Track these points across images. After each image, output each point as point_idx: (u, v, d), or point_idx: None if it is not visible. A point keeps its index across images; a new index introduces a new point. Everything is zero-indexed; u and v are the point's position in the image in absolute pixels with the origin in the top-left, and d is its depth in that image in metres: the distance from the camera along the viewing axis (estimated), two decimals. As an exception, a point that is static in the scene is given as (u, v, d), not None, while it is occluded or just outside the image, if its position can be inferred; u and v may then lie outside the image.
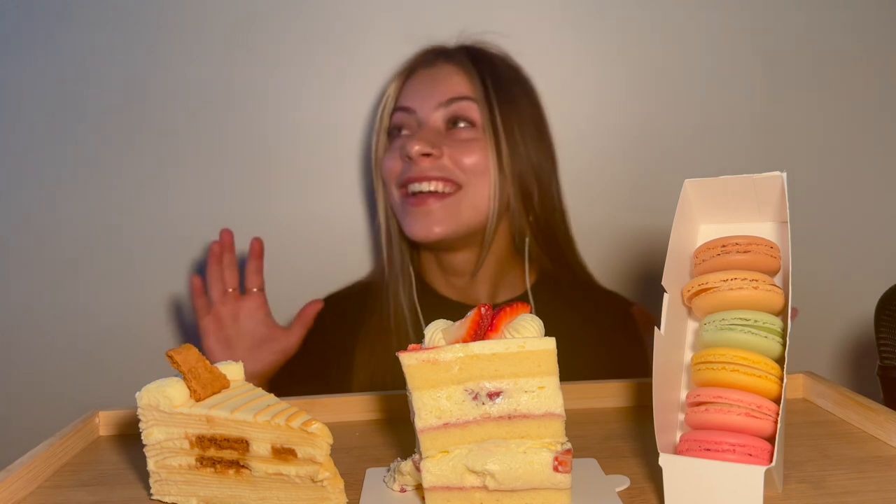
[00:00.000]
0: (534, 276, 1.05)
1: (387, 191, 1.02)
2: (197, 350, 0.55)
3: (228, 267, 0.98)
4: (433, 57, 1.03)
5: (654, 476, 0.56)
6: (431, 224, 0.96)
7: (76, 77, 1.12)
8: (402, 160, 0.98)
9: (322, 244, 1.16)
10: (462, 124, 0.98)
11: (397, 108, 1.01)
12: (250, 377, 0.98)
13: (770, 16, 1.15)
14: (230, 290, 0.98)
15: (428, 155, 0.96)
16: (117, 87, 1.12)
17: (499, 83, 1.00)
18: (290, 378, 1.03)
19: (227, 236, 0.98)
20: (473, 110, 0.98)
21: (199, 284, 0.98)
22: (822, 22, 1.16)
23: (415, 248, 1.05)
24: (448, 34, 1.07)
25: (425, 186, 0.96)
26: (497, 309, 0.52)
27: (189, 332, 1.15)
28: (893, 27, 1.16)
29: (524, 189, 1.00)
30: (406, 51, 1.06)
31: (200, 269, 1.14)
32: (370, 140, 1.12)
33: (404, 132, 1.01)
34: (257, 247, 1.00)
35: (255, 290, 0.99)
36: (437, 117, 0.99)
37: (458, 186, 0.97)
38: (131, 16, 1.11)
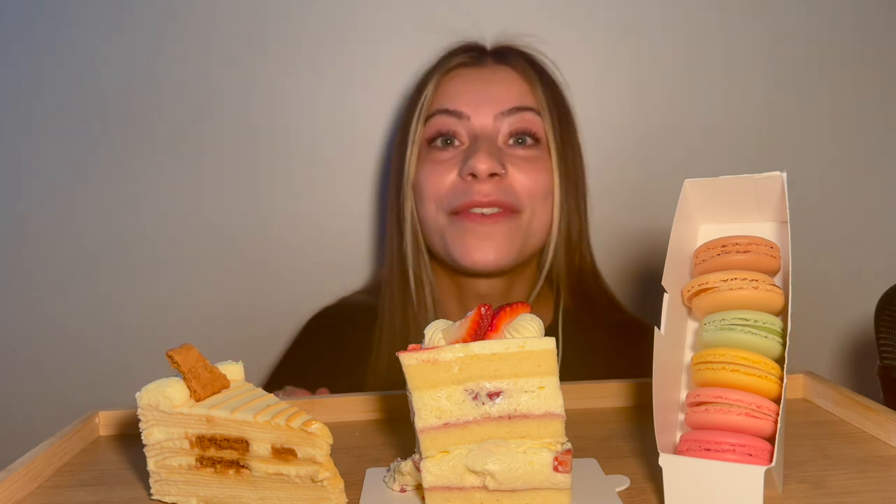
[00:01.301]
0: (567, 299, 0.96)
1: (420, 205, 0.91)
2: (197, 350, 0.55)
3: None
4: (479, 56, 0.92)
5: (654, 476, 0.56)
6: (488, 250, 0.86)
7: (93, 76, 1.11)
8: (463, 180, 0.87)
9: (346, 242, 1.16)
10: (528, 140, 0.88)
11: (439, 111, 0.89)
12: None
13: (770, 16, 1.15)
14: None
15: (494, 174, 0.85)
16: (130, 88, 1.12)
17: (554, 93, 0.92)
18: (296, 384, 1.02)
19: None
20: (538, 125, 0.88)
21: None
22: (822, 21, 1.16)
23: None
24: (452, 30, 1.04)
25: (487, 210, 0.86)
26: (497, 309, 0.52)
27: (189, 332, 1.15)
28: (894, 27, 1.16)
29: (577, 215, 0.92)
30: (424, 47, 1.01)
31: (200, 272, 1.14)
32: (389, 140, 1.10)
33: (453, 140, 0.89)
34: None
35: None
36: (498, 128, 0.88)
37: (517, 211, 0.88)
38: (146, 15, 1.11)
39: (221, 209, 1.14)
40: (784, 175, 0.54)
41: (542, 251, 0.94)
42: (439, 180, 0.88)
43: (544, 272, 0.93)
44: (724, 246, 0.55)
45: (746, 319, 0.53)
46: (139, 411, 0.54)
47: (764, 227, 0.59)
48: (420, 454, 0.52)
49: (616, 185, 1.16)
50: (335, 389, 0.98)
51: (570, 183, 0.91)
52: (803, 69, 1.16)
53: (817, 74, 1.16)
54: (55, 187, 1.13)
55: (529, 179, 0.88)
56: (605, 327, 0.96)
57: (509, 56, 0.93)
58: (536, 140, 0.89)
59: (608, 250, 1.16)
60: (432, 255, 0.95)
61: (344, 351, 1.00)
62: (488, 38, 1.02)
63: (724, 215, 0.59)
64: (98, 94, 1.12)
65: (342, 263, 1.16)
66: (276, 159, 1.14)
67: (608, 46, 1.15)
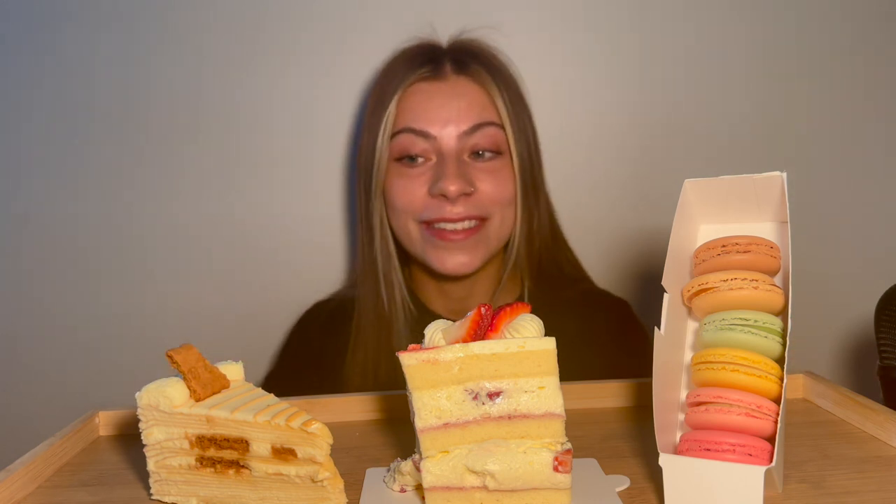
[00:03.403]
0: (531, 284, 1.01)
1: (393, 216, 0.95)
2: (197, 350, 0.55)
3: None
4: (438, 66, 0.93)
5: (654, 476, 0.56)
6: (460, 257, 0.92)
7: (93, 77, 1.11)
8: (434, 198, 0.91)
9: (346, 241, 1.16)
10: (489, 153, 0.92)
11: (406, 130, 0.92)
12: None
13: (770, 15, 1.15)
14: None
15: (465, 194, 0.90)
16: (130, 88, 1.11)
17: (514, 98, 0.95)
18: (285, 385, 1.02)
19: None
20: (500, 138, 0.92)
21: None
22: (822, 21, 1.16)
23: (405, 263, 1.01)
24: (433, 29, 1.04)
25: (459, 225, 0.91)
26: (497, 309, 0.52)
27: (189, 333, 1.15)
28: (895, 26, 1.16)
29: (537, 208, 0.98)
30: (388, 44, 1.02)
31: (199, 272, 1.14)
32: (355, 142, 1.10)
33: (420, 158, 0.92)
34: None
35: None
36: (463, 146, 0.91)
37: (485, 219, 0.93)
38: (146, 15, 1.11)
39: (221, 209, 1.14)
40: (784, 175, 0.54)
41: (506, 244, 0.99)
42: (411, 195, 0.92)
43: (510, 265, 0.98)
44: (724, 246, 0.55)
45: (746, 319, 0.53)
46: (139, 411, 0.54)
47: (764, 227, 0.59)
48: (420, 454, 0.52)
49: (616, 185, 1.16)
50: (317, 384, 1.00)
51: (530, 181, 0.96)
52: (804, 69, 1.16)
53: (818, 74, 1.16)
54: (55, 187, 1.13)
55: (495, 190, 0.93)
56: (572, 299, 1.02)
57: (469, 64, 0.94)
58: (499, 151, 0.93)
59: (608, 250, 1.16)
60: (407, 255, 0.99)
61: (330, 346, 1.02)
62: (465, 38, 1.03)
63: (724, 215, 0.59)
64: (98, 95, 1.12)
65: (343, 261, 1.16)
66: (276, 160, 1.14)
67: (609, 45, 1.15)
